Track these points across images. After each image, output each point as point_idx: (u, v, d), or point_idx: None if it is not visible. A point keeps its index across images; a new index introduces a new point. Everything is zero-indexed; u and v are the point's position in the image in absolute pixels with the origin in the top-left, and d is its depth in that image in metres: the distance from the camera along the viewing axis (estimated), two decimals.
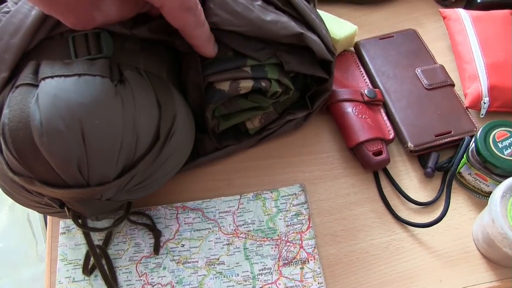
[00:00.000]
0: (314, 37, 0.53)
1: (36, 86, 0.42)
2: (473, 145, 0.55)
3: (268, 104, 0.55)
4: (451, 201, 0.58)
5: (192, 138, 0.53)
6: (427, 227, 0.55)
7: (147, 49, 0.50)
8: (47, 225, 0.62)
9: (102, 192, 0.44)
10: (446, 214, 0.56)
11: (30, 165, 0.41)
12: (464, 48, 0.66)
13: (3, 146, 0.42)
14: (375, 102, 0.62)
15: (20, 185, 0.45)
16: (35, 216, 0.80)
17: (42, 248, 0.76)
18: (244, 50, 0.51)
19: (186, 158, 0.54)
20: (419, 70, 0.65)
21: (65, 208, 0.46)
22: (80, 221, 0.47)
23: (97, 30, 0.46)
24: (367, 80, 0.65)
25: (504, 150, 0.53)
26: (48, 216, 0.62)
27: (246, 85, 0.52)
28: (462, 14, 0.69)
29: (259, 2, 0.50)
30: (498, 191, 0.49)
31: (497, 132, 0.54)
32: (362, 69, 0.67)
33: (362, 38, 0.71)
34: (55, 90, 0.41)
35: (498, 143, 0.53)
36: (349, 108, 0.60)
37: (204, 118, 0.54)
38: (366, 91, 0.62)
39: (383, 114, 0.62)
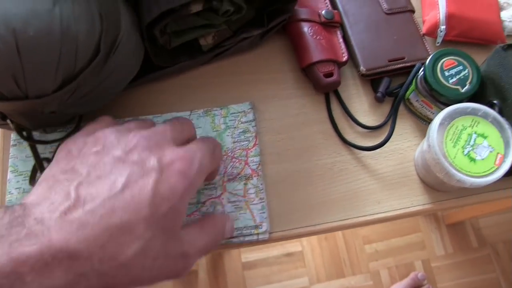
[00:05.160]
0: None
1: None
2: (422, 72, 0.55)
3: (220, 22, 0.54)
4: (398, 126, 0.59)
5: (140, 53, 0.52)
6: (371, 150, 0.56)
7: None
8: None
9: (42, 105, 0.44)
10: (392, 139, 0.57)
11: None
12: None
13: None
14: (332, 24, 0.61)
15: None
16: None
17: None
18: None
19: (135, 72, 0.53)
20: None
21: (8, 120, 0.46)
22: (25, 133, 0.47)
23: None
24: (327, 0, 0.64)
25: (449, 78, 0.54)
26: None
27: (196, 6, 0.51)
28: None
29: None
30: (437, 119, 0.50)
31: (446, 61, 0.54)
32: None
33: None
34: None
35: (445, 72, 0.54)
36: (305, 28, 0.59)
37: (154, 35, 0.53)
38: (324, 12, 0.60)
39: (339, 37, 0.61)
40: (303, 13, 0.60)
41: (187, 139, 0.44)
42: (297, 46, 0.60)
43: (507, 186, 0.57)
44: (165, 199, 0.37)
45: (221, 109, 0.58)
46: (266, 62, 0.62)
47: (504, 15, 0.64)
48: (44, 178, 0.38)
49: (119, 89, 0.52)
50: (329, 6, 0.63)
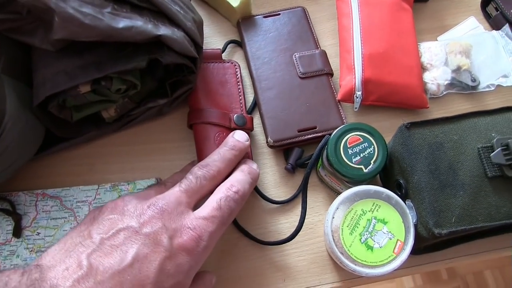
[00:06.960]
0: (177, 33, 0.50)
1: None
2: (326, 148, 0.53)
3: (117, 98, 0.53)
4: (310, 199, 0.57)
5: (38, 129, 0.52)
6: (279, 244, 0.54)
7: None
8: None
9: None
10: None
11: None
12: (347, 35, 0.61)
13: None
14: (243, 130, 0.55)
15: None
16: None
17: None
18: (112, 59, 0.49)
19: (34, 149, 0.53)
20: (296, 56, 0.61)
21: None
22: None
23: None
24: (242, 100, 0.59)
25: (353, 157, 0.51)
26: None
27: (85, 88, 0.50)
28: None
29: (109, 9, 0.46)
30: (335, 203, 0.48)
31: (351, 137, 0.52)
32: (240, 86, 0.60)
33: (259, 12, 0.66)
34: None
35: (349, 149, 0.51)
36: (211, 132, 0.55)
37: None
38: (235, 117, 0.56)
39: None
40: (212, 115, 0.56)
41: (210, 191, 0.46)
42: (199, 149, 0.56)
43: (414, 264, 0.55)
44: (170, 276, 0.39)
45: (128, 184, 0.57)
46: (176, 130, 0.61)
47: (426, 76, 0.61)
48: (64, 238, 0.41)
49: (18, 167, 0.52)
50: (243, 107, 0.59)
